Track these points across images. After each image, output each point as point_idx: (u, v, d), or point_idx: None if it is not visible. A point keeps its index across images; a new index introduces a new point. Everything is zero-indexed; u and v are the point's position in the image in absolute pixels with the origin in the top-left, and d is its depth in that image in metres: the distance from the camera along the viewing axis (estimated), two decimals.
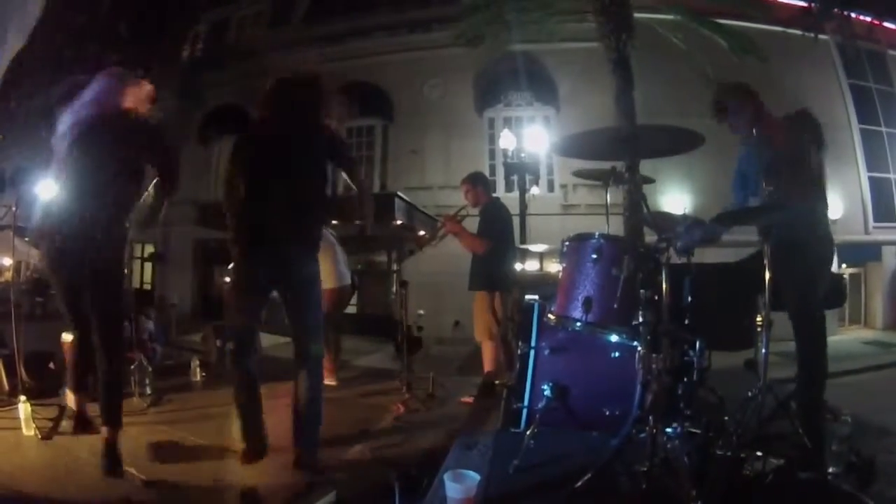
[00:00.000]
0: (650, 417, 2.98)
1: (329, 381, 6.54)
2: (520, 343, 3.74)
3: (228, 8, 22.11)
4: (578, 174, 4.47)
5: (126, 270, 4.30)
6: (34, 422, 4.34)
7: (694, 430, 3.15)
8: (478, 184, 6.29)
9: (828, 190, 4.06)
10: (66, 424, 4.35)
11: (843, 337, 16.36)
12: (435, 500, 2.89)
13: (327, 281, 5.91)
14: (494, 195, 6.73)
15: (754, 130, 4.02)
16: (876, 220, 18.65)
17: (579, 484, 2.84)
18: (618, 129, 3.72)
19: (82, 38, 15.16)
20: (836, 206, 16.74)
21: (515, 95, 18.14)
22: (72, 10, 14.82)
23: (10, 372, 5.30)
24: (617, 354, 3.45)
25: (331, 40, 19.37)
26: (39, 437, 4.25)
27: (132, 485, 3.66)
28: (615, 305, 3.33)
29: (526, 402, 3.54)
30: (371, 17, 18.91)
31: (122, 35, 16.83)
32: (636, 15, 11.71)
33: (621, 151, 3.54)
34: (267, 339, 8.93)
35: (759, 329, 3.59)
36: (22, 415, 4.34)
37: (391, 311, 15.50)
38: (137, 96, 4.15)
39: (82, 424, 4.23)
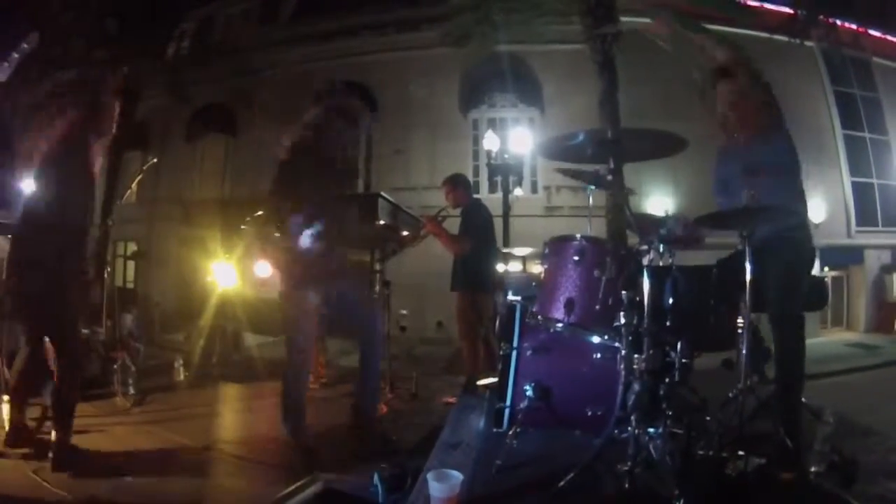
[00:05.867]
0: (632, 417, 3.01)
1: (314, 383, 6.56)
2: (502, 343, 3.75)
3: (215, 5, 22.01)
4: (562, 171, 4.50)
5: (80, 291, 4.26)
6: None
7: (676, 431, 3.17)
8: (458, 185, 6.31)
9: (811, 194, 4.10)
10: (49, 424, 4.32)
11: (825, 339, 16.48)
12: (419, 500, 2.89)
13: None
14: (476, 196, 6.74)
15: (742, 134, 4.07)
16: (858, 223, 18.83)
17: (562, 483, 2.85)
18: (602, 132, 3.71)
19: (69, 34, 15.07)
20: (819, 209, 16.88)
21: (500, 97, 18.13)
22: (59, 6, 14.75)
23: None
24: (599, 355, 3.46)
25: (317, 39, 19.32)
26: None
27: (108, 483, 3.66)
28: (597, 307, 3.36)
29: (509, 403, 3.55)
30: (358, 16, 18.86)
31: (109, 32, 16.72)
32: (622, 18, 11.75)
33: (605, 154, 3.55)
34: (254, 339, 8.97)
35: (739, 330, 3.60)
36: (5, 414, 4.30)
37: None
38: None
39: (18, 436, 4.19)
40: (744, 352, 3.47)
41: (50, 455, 3.84)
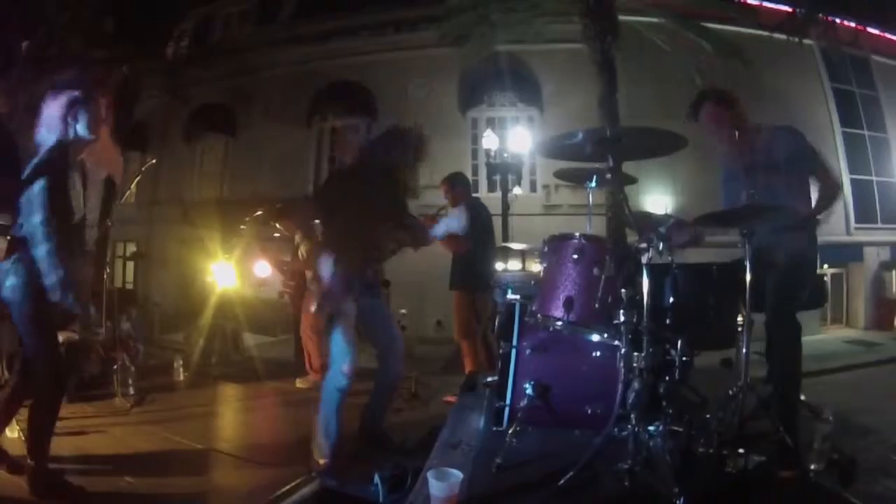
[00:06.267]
0: (632, 416, 3.00)
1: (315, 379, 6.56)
2: (502, 342, 3.75)
3: (215, 5, 21.96)
4: (559, 175, 4.50)
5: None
6: (17, 423, 4.25)
7: (676, 429, 3.16)
8: (457, 184, 6.32)
9: (811, 192, 4.10)
10: None
11: (825, 336, 16.45)
12: (419, 499, 2.89)
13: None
14: (475, 195, 6.75)
15: (736, 134, 4.05)
16: (857, 221, 18.79)
17: (562, 482, 2.85)
18: (601, 131, 3.70)
19: (67, 34, 15.05)
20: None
21: (499, 96, 18.08)
22: (57, 5, 14.73)
23: None
24: (598, 353, 3.46)
25: (317, 39, 19.28)
26: (23, 438, 4.11)
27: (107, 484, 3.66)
28: (596, 305, 3.35)
29: (508, 401, 3.55)
30: (357, 16, 18.82)
31: (107, 31, 16.70)
32: (621, 17, 11.76)
33: (604, 153, 3.54)
34: (253, 339, 8.97)
35: (739, 328, 3.59)
36: None
37: None
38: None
39: None
40: (744, 350, 3.47)
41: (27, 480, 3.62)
